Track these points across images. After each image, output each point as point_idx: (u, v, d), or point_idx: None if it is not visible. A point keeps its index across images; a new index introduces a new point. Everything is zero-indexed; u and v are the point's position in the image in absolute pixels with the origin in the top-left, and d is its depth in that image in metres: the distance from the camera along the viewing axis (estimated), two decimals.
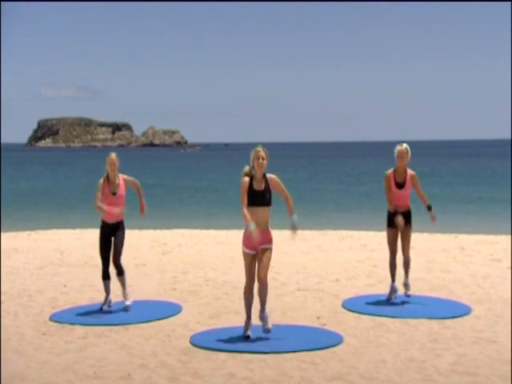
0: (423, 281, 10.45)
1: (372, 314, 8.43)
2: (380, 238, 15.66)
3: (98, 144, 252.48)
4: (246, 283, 7.41)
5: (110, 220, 8.73)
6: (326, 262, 12.41)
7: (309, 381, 6.09)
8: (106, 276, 8.75)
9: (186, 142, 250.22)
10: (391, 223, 9.00)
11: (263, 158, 7.26)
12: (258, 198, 7.23)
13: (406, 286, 9.04)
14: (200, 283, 10.44)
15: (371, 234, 16.76)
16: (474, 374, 6.23)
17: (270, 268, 7.48)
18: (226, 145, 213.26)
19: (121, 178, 8.78)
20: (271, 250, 7.37)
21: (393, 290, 9.05)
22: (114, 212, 8.60)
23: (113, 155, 8.75)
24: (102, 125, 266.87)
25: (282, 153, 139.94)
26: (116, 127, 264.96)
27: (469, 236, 16.21)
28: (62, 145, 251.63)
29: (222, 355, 6.82)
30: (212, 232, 17.56)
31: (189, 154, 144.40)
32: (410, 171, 8.95)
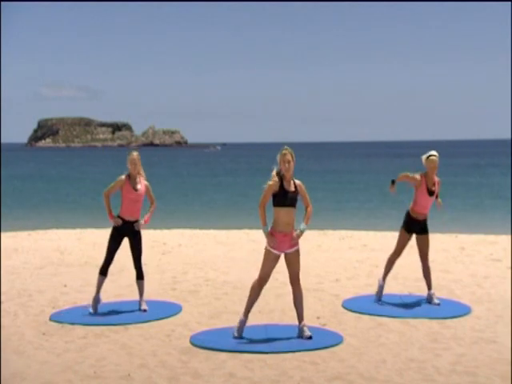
0: (423, 281, 10.43)
1: (372, 314, 8.43)
2: (380, 238, 15.68)
3: (98, 144, 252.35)
4: (258, 279, 7.38)
5: (129, 216, 8.60)
6: (326, 262, 12.41)
7: (309, 381, 6.09)
8: (103, 272, 8.64)
9: (185, 142, 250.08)
10: (409, 228, 8.99)
11: (289, 162, 7.25)
12: (290, 199, 7.23)
13: (430, 297, 8.99)
14: (200, 283, 10.44)
15: (371, 233, 16.77)
16: (474, 374, 6.23)
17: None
18: (224, 144, 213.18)
19: (142, 181, 8.67)
20: (298, 252, 7.37)
21: (380, 289, 9.05)
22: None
23: (134, 154, 8.62)
24: (102, 125, 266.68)
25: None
26: (116, 127, 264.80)
27: (469, 236, 16.21)
28: (62, 145, 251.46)
29: (222, 355, 6.82)
30: (212, 232, 17.56)
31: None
32: (437, 178, 8.98)
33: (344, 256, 13.07)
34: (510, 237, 15.39)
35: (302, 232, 7.30)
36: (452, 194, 35.57)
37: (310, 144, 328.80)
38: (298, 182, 7.38)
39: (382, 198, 31.06)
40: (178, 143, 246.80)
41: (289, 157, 7.26)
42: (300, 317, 7.46)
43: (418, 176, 8.90)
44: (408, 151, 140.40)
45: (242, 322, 7.40)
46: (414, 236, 9.11)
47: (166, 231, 17.94)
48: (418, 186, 8.88)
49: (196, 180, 51.77)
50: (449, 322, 8.05)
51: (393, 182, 8.95)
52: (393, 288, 10.01)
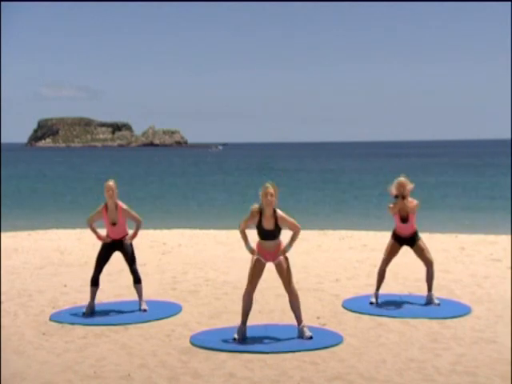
0: (423, 281, 10.42)
1: (372, 314, 8.43)
2: (380, 238, 15.66)
3: (98, 144, 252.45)
4: (247, 288, 7.42)
5: (115, 237, 8.73)
6: (326, 262, 12.41)
7: (309, 381, 6.09)
8: (94, 282, 8.68)
9: (185, 142, 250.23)
10: (396, 238, 9.04)
11: (272, 195, 7.23)
12: (268, 235, 7.34)
13: (430, 298, 8.99)
14: (200, 283, 10.44)
15: (371, 233, 16.76)
16: (474, 374, 6.23)
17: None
18: (225, 144, 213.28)
19: (119, 208, 8.63)
20: (286, 259, 7.42)
21: (375, 297, 9.04)
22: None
23: (110, 182, 8.63)
24: (102, 125, 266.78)
25: (281, 153, 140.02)
26: (116, 127, 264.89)
27: (469, 236, 16.21)
28: (62, 145, 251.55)
29: (222, 355, 6.82)
30: (212, 232, 17.56)
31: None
32: (412, 201, 8.88)
33: (344, 256, 13.07)
34: (510, 237, 15.39)
35: (285, 252, 7.38)
36: (452, 193, 35.62)
37: (310, 144, 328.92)
38: (279, 213, 7.32)
39: (381, 198, 31.06)
40: (178, 143, 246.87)
41: (271, 190, 7.24)
42: (298, 319, 7.49)
43: (392, 206, 8.92)
44: (408, 151, 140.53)
45: (241, 330, 7.38)
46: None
47: (165, 231, 17.94)
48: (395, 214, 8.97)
49: (208, 179, 51.75)
50: (449, 321, 8.05)
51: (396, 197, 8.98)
52: (393, 288, 10.01)
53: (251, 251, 7.40)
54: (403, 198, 8.85)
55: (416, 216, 9.00)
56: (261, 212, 7.30)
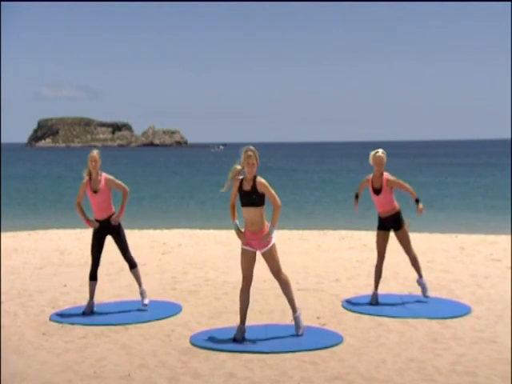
0: None
1: (372, 314, 8.43)
2: None
3: (98, 144, 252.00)
4: (242, 284, 7.42)
5: (101, 216, 8.63)
6: (326, 262, 12.41)
7: (309, 381, 6.09)
8: (92, 277, 8.66)
9: (185, 142, 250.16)
10: (379, 226, 9.12)
11: (253, 164, 7.22)
12: (247, 197, 7.25)
13: (421, 285, 9.06)
14: (200, 283, 10.44)
15: (371, 233, 16.73)
16: (474, 374, 6.23)
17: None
18: (225, 144, 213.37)
19: (103, 177, 8.59)
20: (272, 249, 7.35)
21: (374, 297, 9.04)
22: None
23: (94, 152, 8.60)
24: (102, 125, 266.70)
25: (281, 153, 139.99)
26: (116, 127, 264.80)
27: (469, 236, 16.21)
28: (62, 145, 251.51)
29: (222, 355, 6.82)
30: (212, 232, 17.56)
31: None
32: (385, 175, 8.92)
33: (344, 256, 13.07)
34: (510, 237, 15.39)
35: (268, 233, 7.28)
36: (452, 193, 35.61)
37: (310, 144, 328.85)
38: (260, 180, 7.27)
39: None
40: (178, 143, 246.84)
41: (253, 160, 7.22)
42: (293, 307, 7.49)
43: (366, 178, 9.03)
44: (408, 151, 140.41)
45: (241, 329, 7.37)
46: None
47: (166, 231, 17.95)
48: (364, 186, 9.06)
49: (208, 179, 51.76)
50: (449, 321, 8.05)
51: (356, 196, 9.22)
52: (393, 288, 10.02)
53: (237, 229, 7.32)
54: (380, 176, 8.90)
55: (395, 194, 8.96)
56: (242, 178, 7.30)
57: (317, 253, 13.56)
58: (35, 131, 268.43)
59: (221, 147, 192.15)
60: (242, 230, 7.39)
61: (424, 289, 9.08)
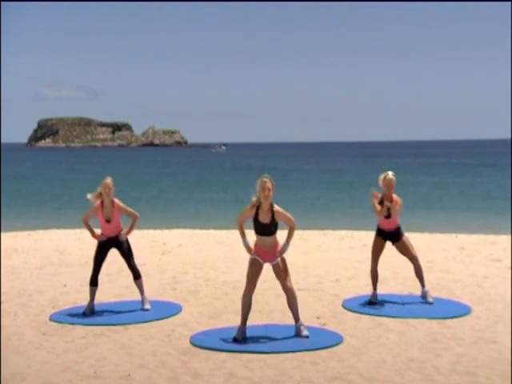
0: None
1: (372, 314, 8.43)
2: None
3: (98, 144, 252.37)
4: (246, 289, 7.41)
5: (109, 234, 8.70)
6: (325, 262, 12.41)
7: (309, 381, 6.09)
8: (93, 282, 8.69)
9: (185, 142, 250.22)
10: (379, 233, 9.13)
11: (269, 190, 7.24)
12: (264, 229, 7.31)
13: (424, 295, 9.03)
14: (200, 283, 10.44)
15: (371, 233, 16.70)
16: (474, 374, 6.23)
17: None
18: (225, 145, 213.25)
19: (115, 205, 8.62)
20: (283, 260, 7.41)
21: (374, 296, 9.05)
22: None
23: (108, 179, 8.60)
24: (102, 125, 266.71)
25: (281, 153, 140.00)
26: (116, 127, 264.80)
27: (469, 236, 16.21)
28: (62, 145, 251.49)
29: (222, 355, 6.82)
30: (212, 232, 17.56)
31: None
32: (395, 198, 8.93)
33: (344, 256, 13.07)
34: (509, 237, 15.39)
35: (283, 251, 7.36)
36: (452, 193, 35.61)
37: (310, 144, 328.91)
38: (276, 208, 7.32)
39: None
40: (178, 143, 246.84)
41: (269, 184, 7.25)
42: (295, 317, 7.51)
43: (376, 194, 9.02)
44: (407, 151, 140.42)
45: (241, 330, 7.38)
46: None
47: (166, 231, 17.95)
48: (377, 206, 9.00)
49: (209, 179, 51.75)
50: (449, 321, 8.05)
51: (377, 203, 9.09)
52: (393, 288, 10.02)
53: (247, 248, 7.39)
54: (390, 199, 8.88)
55: (399, 213, 9.00)
56: (258, 206, 7.31)
57: (317, 253, 13.56)
58: (35, 131, 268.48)
59: (223, 147, 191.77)
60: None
61: (426, 297, 9.01)
